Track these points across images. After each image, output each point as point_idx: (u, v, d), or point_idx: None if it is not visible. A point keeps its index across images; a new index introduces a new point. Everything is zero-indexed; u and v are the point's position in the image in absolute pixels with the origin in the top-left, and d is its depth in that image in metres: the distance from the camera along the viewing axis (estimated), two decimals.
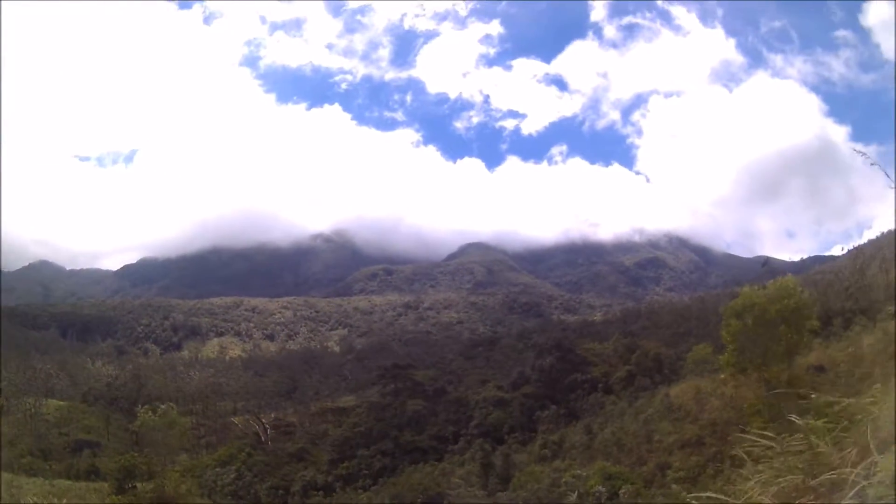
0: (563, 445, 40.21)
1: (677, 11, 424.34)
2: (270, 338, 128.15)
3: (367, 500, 34.16)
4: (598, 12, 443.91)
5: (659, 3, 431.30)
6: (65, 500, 18.81)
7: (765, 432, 3.70)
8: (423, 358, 77.13)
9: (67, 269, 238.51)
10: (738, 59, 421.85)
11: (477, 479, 34.20)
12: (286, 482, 42.20)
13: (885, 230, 70.85)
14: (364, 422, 51.81)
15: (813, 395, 4.18)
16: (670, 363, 51.23)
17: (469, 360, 75.18)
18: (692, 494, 4.78)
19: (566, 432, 43.33)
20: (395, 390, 56.48)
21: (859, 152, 4.73)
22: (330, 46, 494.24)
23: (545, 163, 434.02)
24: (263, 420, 54.97)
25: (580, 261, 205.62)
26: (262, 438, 50.91)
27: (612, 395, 49.85)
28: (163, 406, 37.55)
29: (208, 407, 63.72)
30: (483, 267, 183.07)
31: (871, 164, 4.54)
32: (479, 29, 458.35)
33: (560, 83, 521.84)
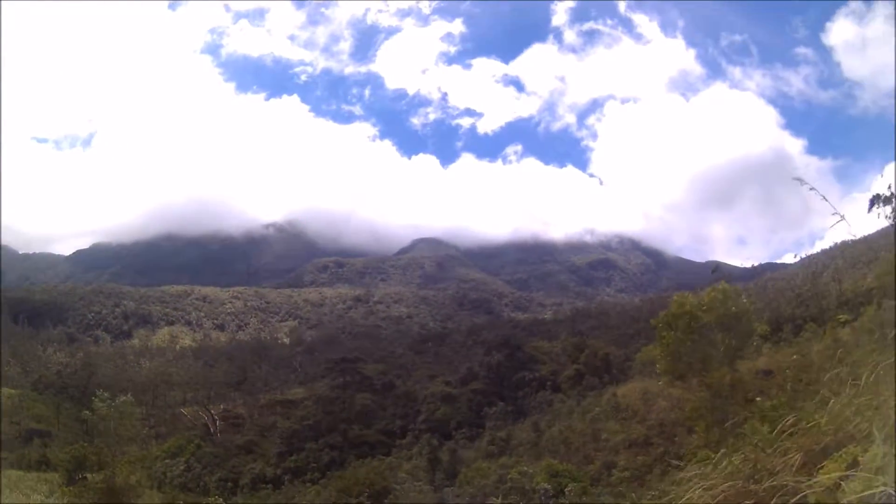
0: (510, 442, 40.55)
1: (639, 20, 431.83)
2: (221, 328, 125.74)
3: (315, 493, 33.78)
4: (559, 17, 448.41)
5: (621, 10, 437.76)
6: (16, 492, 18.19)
7: (709, 435, 3.69)
8: (373, 351, 76.50)
9: (21, 252, 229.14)
10: (697, 69, 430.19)
11: (424, 473, 34.18)
12: (235, 475, 41.57)
13: (839, 241, 73.45)
14: (313, 415, 51.32)
15: (758, 399, 4.21)
16: (619, 363, 52.12)
17: (418, 355, 75.08)
18: (636, 496, 4.77)
19: (513, 429, 43.74)
20: (344, 383, 56.15)
21: (803, 182, 4.79)
22: (292, 38, 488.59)
23: (500, 162, 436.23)
24: (213, 411, 54.06)
25: (531, 259, 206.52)
26: (212, 430, 50.12)
27: (559, 393, 50.54)
28: (123, 397, 36.52)
29: (158, 397, 62.33)
30: (434, 262, 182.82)
31: (810, 189, 4.61)
32: (441, 27, 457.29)
33: (518, 84, 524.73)
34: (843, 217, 4.18)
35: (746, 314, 22.49)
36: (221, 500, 22.97)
